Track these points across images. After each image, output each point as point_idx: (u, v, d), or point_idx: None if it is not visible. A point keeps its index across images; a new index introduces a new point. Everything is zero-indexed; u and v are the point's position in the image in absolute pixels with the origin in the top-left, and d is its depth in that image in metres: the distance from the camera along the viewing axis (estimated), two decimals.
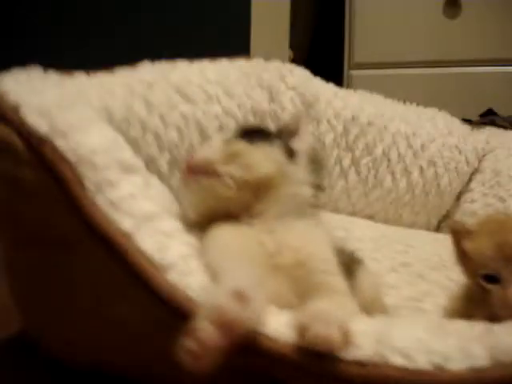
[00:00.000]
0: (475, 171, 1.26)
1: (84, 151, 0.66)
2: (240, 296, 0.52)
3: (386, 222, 1.20)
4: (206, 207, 0.68)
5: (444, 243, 1.11)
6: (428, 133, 1.21)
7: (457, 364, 0.54)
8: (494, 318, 0.64)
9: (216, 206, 0.67)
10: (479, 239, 0.69)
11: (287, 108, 1.07)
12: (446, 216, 1.27)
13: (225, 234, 0.65)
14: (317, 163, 0.72)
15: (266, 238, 0.64)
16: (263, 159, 0.67)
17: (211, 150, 0.69)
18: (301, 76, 1.11)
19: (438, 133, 1.22)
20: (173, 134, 0.90)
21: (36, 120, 0.66)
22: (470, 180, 1.26)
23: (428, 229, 1.23)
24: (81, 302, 0.68)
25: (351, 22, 1.83)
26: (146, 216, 0.66)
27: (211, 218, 0.68)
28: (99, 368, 0.72)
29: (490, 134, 1.30)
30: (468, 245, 0.70)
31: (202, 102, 0.95)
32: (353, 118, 1.13)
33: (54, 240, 0.68)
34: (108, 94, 0.85)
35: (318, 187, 0.70)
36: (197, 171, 0.67)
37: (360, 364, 0.55)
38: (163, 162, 0.89)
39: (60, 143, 0.66)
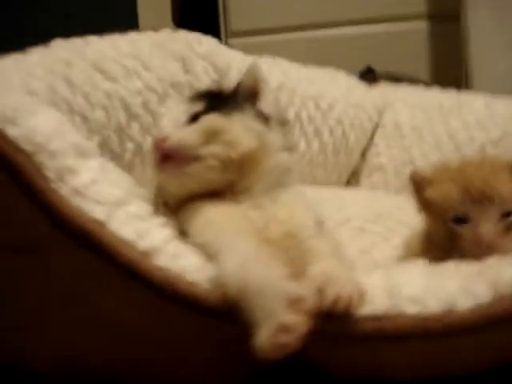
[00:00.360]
0: (376, 126, 1.31)
1: (39, 138, 0.59)
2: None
3: (303, 183, 1.21)
4: (187, 191, 0.65)
5: (369, 196, 1.16)
6: (332, 93, 1.24)
7: (464, 304, 0.56)
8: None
9: (198, 189, 0.64)
10: (443, 185, 0.72)
11: (202, 78, 1.04)
12: (354, 172, 1.31)
13: (214, 213, 0.62)
14: (284, 123, 0.71)
15: (253, 214, 0.63)
16: (244, 133, 0.65)
17: (186, 132, 0.64)
18: (209, 44, 1.09)
19: (341, 92, 1.26)
20: (99, 114, 0.85)
21: None
22: (372, 135, 1.31)
23: (339, 186, 1.27)
24: (53, 307, 0.62)
25: None
26: (115, 202, 0.62)
27: (190, 198, 0.64)
28: (78, 372, 0.67)
29: (384, 89, 1.36)
30: (432, 192, 0.73)
31: (122, 78, 0.90)
32: None
33: (12, 244, 0.61)
34: (28, 76, 0.77)
35: (290, 149, 0.69)
36: (175, 158, 0.63)
37: (375, 318, 0.56)
38: (94, 145, 0.83)
39: (11, 131, 0.59)
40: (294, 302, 0.49)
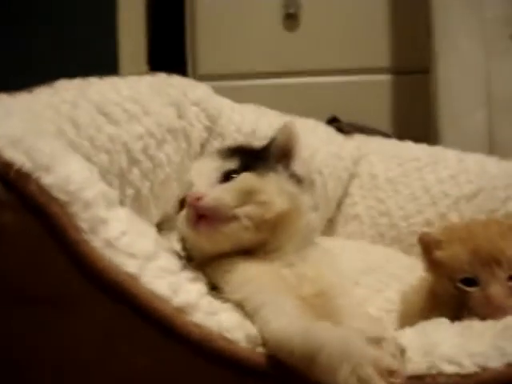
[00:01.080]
0: (352, 176, 1.34)
1: (73, 187, 0.57)
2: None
3: None
4: (220, 249, 0.64)
5: (357, 247, 1.18)
6: (312, 143, 1.26)
7: (495, 362, 0.58)
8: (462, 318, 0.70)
9: (231, 247, 0.64)
10: (453, 247, 0.75)
11: (195, 124, 1.04)
12: (329, 221, 1.33)
13: (252, 270, 0.62)
14: (312, 184, 0.71)
15: (286, 272, 0.64)
16: (278, 194, 0.65)
17: (222, 191, 0.64)
18: (201, 91, 1.09)
19: (321, 142, 1.28)
20: (103, 158, 0.83)
21: (13, 154, 0.56)
22: (348, 185, 1.33)
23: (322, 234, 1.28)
24: (84, 362, 0.59)
25: (193, 32, 1.83)
26: (146, 255, 0.61)
27: (219, 255, 0.64)
28: None
29: (359, 140, 1.39)
30: (441, 253, 0.75)
31: (124, 122, 0.88)
32: (252, 132, 1.13)
33: (42, 297, 0.58)
34: (36, 117, 0.74)
35: (315, 209, 0.70)
36: (211, 217, 0.62)
37: (417, 378, 0.56)
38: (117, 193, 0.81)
39: (46, 180, 0.56)
40: (389, 374, 0.49)
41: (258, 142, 0.79)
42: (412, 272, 0.93)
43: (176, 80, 1.05)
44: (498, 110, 1.48)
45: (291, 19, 1.81)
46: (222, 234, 0.63)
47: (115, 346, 0.58)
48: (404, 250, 1.19)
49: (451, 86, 1.48)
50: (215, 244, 0.64)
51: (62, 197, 0.57)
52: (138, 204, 0.88)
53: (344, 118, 1.74)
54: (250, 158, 0.68)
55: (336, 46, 1.80)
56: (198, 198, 0.62)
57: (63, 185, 0.57)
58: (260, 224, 0.64)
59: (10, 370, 0.60)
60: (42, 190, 0.56)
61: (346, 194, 1.34)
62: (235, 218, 0.63)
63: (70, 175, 0.58)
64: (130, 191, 0.87)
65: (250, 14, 1.82)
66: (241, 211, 0.63)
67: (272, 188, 0.65)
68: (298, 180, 0.69)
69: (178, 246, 0.69)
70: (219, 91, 1.26)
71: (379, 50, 1.80)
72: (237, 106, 1.17)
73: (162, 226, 0.94)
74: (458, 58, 1.49)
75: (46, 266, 0.57)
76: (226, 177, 0.66)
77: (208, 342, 0.56)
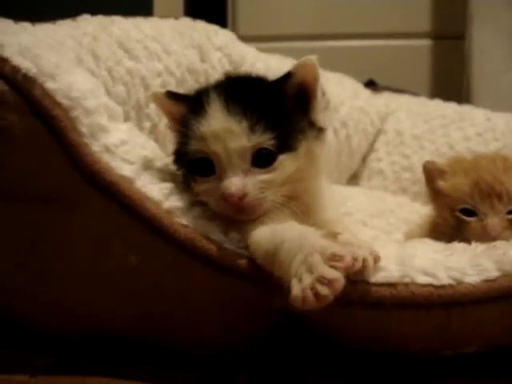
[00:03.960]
0: (379, 132, 1.35)
1: (76, 94, 0.62)
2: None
3: None
4: None
5: (371, 193, 1.19)
6: (338, 95, 1.27)
7: (472, 277, 0.59)
8: None
9: None
10: (455, 178, 0.76)
11: (217, 68, 1.06)
12: (354, 175, 1.34)
13: None
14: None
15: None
16: (308, 164, 0.64)
17: (259, 184, 0.60)
18: (226, 37, 1.12)
19: (347, 96, 1.29)
20: (120, 89, 0.87)
21: (21, 60, 0.61)
22: (374, 141, 1.34)
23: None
24: (77, 259, 0.63)
25: None
26: (143, 163, 0.64)
27: None
28: (90, 332, 0.68)
29: (387, 97, 1.40)
30: (444, 183, 0.77)
31: (144, 58, 0.92)
32: None
33: (41, 195, 0.63)
34: (59, 44, 0.79)
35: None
36: (251, 209, 0.60)
37: (389, 285, 0.58)
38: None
39: (50, 85, 0.61)
40: (334, 258, 0.51)
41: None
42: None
43: (200, 25, 1.09)
44: None
45: None
46: (260, 214, 0.61)
47: (108, 245, 0.62)
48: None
49: (484, 47, 1.47)
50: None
51: (64, 102, 0.61)
52: (154, 136, 0.92)
53: (382, 81, 1.74)
54: (274, 120, 0.61)
55: (375, 9, 1.79)
56: (241, 198, 0.59)
57: (66, 91, 0.61)
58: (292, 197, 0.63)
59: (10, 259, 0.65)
60: (46, 94, 0.60)
61: (371, 149, 1.35)
62: (273, 201, 0.61)
63: (73, 83, 0.62)
64: (146, 123, 0.91)
65: None
66: (278, 196, 0.61)
67: (304, 162, 0.63)
68: (318, 130, 0.65)
69: None
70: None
71: (419, 15, 1.78)
72: (262, 55, 1.19)
73: None
74: (491, 21, 1.48)
75: (47, 165, 0.61)
76: (259, 155, 0.61)
77: (192, 241, 0.60)
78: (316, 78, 0.64)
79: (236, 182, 0.59)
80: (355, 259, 0.55)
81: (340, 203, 1.02)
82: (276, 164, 0.61)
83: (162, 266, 0.61)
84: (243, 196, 0.59)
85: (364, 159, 1.34)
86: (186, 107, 0.65)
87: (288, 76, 0.64)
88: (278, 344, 0.66)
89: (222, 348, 0.65)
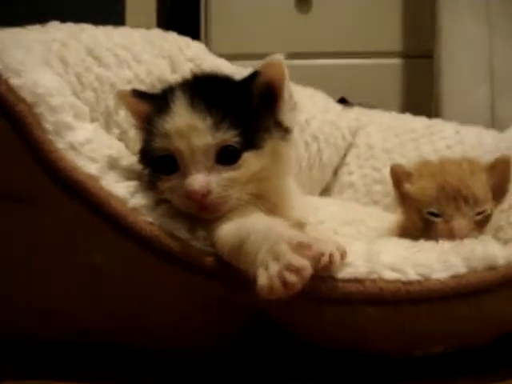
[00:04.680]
0: (350, 146, 1.35)
1: (41, 90, 0.61)
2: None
3: None
4: None
5: (342, 203, 1.20)
6: (309, 110, 1.28)
7: (440, 273, 0.59)
8: None
9: None
10: (422, 181, 0.76)
11: None
12: (326, 189, 1.35)
13: None
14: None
15: None
16: (274, 163, 0.63)
17: (224, 181, 0.60)
18: (197, 48, 1.12)
19: (318, 110, 1.30)
20: (89, 95, 0.86)
21: None
22: (345, 154, 1.35)
23: None
24: (45, 258, 0.62)
25: (206, 13, 1.87)
26: (108, 161, 0.64)
27: None
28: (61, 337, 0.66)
29: (358, 112, 1.41)
30: (410, 186, 0.77)
31: (113, 65, 0.92)
32: None
33: (7, 192, 0.62)
34: (26, 49, 0.78)
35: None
36: (217, 207, 0.60)
37: (357, 281, 0.58)
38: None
39: (15, 81, 0.60)
40: (301, 247, 0.51)
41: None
42: None
43: (171, 36, 1.09)
44: (499, 86, 1.48)
45: (304, 2, 1.84)
46: (224, 213, 0.61)
47: (75, 244, 0.61)
48: None
49: (454, 63, 1.49)
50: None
51: (29, 98, 0.60)
52: (123, 143, 0.91)
53: (353, 99, 1.75)
54: (240, 118, 0.60)
55: (347, 29, 1.82)
56: (205, 195, 0.58)
57: (31, 87, 0.61)
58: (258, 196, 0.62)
59: None
60: (11, 90, 0.60)
61: (343, 163, 1.36)
62: (238, 199, 0.61)
63: (38, 80, 0.62)
64: (115, 130, 0.90)
65: None
66: (243, 194, 0.61)
67: (270, 161, 0.63)
68: (284, 130, 0.65)
69: None
70: None
71: (390, 34, 1.81)
72: (233, 67, 1.20)
73: None
74: (461, 36, 1.50)
75: (13, 162, 0.60)
76: (223, 152, 0.60)
77: (157, 239, 0.59)
78: (282, 77, 0.64)
79: (199, 179, 0.59)
80: (322, 254, 0.55)
81: (311, 213, 1.02)
82: (240, 161, 0.61)
83: (128, 265, 0.60)
84: (207, 193, 0.58)
85: (335, 172, 1.35)
86: (152, 105, 0.64)
87: (255, 75, 0.64)
88: (253, 348, 0.65)
89: (196, 349, 0.64)
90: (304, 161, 1.26)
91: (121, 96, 0.67)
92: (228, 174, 0.60)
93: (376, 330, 0.60)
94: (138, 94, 0.66)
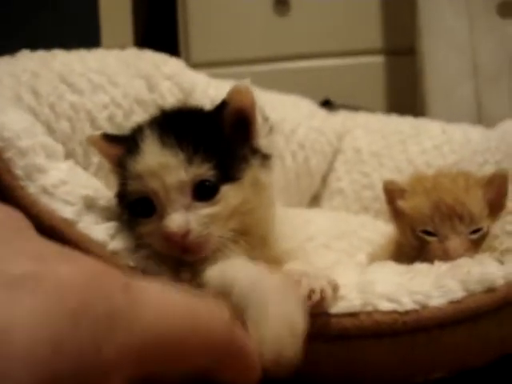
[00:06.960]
0: (337, 151, 1.33)
1: (8, 134, 0.58)
2: None
3: None
4: None
5: (332, 215, 1.17)
6: (294, 118, 1.26)
7: (437, 300, 0.57)
8: None
9: None
10: (416, 198, 0.73)
11: (167, 97, 1.04)
12: (315, 197, 1.32)
13: None
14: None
15: None
16: (254, 194, 0.60)
17: (204, 219, 0.57)
18: (175, 65, 1.09)
19: (303, 117, 1.28)
20: (64, 125, 0.83)
21: None
22: (333, 160, 1.33)
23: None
24: None
25: (184, 21, 1.84)
26: (84, 203, 0.61)
27: None
28: None
29: (344, 116, 1.39)
30: (404, 204, 0.74)
31: (88, 91, 0.89)
32: None
33: None
34: None
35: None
36: (199, 248, 0.57)
37: (352, 315, 0.56)
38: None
39: None
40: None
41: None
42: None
43: (147, 54, 1.06)
44: (484, 81, 1.46)
45: (281, 4, 1.81)
46: (208, 252, 0.58)
47: None
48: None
49: (437, 60, 1.47)
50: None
51: None
52: (103, 172, 0.88)
53: (337, 100, 1.73)
54: (213, 150, 0.58)
55: (327, 28, 1.79)
56: (184, 236, 0.56)
57: None
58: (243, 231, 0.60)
59: None
60: None
61: (331, 169, 1.34)
62: (221, 237, 0.58)
63: (5, 123, 0.59)
64: (94, 159, 0.87)
65: (241, 0, 1.83)
66: (225, 231, 0.58)
67: (251, 191, 0.60)
68: (263, 157, 0.62)
69: None
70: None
71: (370, 32, 1.79)
72: (213, 81, 1.17)
73: None
74: (443, 33, 1.48)
75: None
76: (200, 188, 0.58)
77: None
78: (252, 103, 0.61)
79: (177, 219, 0.56)
80: (312, 291, 0.52)
81: (302, 227, 1.00)
82: (219, 196, 0.58)
83: None
84: (186, 233, 0.55)
85: (324, 179, 1.32)
86: (122, 147, 0.62)
87: (224, 104, 0.62)
88: None
89: None
90: (292, 170, 1.24)
91: (91, 141, 0.65)
92: (207, 210, 0.57)
93: (373, 363, 0.58)
94: (109, 138, 0.64)
